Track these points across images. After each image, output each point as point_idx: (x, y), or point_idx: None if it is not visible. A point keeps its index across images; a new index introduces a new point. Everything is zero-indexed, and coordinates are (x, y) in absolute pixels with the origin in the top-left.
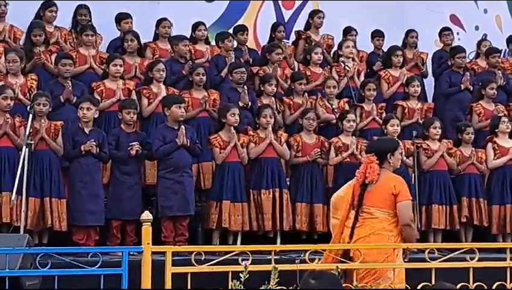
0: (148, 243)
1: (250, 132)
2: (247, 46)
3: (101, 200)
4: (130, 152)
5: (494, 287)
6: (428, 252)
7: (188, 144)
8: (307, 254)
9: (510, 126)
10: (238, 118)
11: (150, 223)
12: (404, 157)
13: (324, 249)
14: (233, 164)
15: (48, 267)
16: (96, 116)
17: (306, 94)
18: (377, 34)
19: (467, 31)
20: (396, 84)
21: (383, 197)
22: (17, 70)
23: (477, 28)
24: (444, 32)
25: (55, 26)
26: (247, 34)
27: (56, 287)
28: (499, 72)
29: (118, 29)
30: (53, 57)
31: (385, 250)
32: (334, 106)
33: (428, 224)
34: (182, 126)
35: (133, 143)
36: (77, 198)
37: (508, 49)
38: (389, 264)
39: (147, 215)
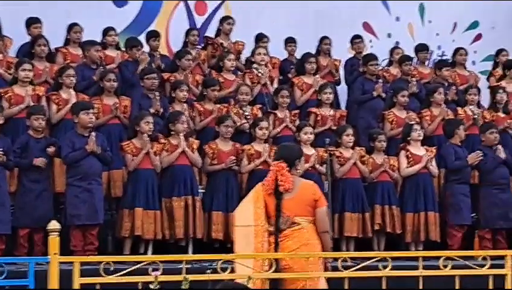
0: (55, 253)
1: (162, 140)
2: (159, 51)
3: (7, 209)
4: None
5: None
6: (342, 261)
7: (98, 151)
8: (219, 263)
9: (422, 134)
10: (152, 126)
11: (57, 233)
12: (318, 165)
13: (233, 259)
14: (146, 171)
15: None
16: (1, 122)
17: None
18: (290, 41)
19: (380, 38)
20: (309, 91)
21: (305, 205)
22: None
23: (389, 35)
24: (355, 40)
25: None
26: (159, 40)
27: None
28: (413, 79)
29: (28, 34)
30: None
31: (314, 260)
32: (247, 113)
33: (340, 232)
34: (92, 133)
35: None
36: None
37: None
38: (311, 273)
39: (54, 224)
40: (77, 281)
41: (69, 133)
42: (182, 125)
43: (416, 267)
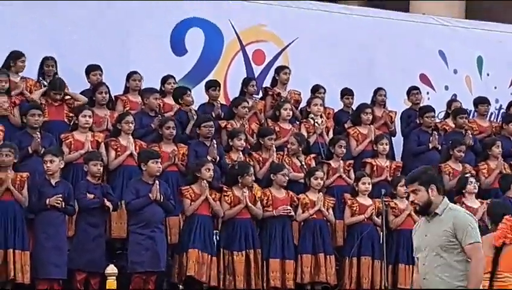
0: None
1: (225, 188)
2: (219, 101)
3: (64, 253)
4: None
5: None
6: None
7: (162, 200)
8: None
9: (477, 186)
10: (212, 173)
11: (115, 277)
12: (374, 217)
13: None
14: (203, 217)
15: None
16: (61, 166)
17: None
18: (347, 92)
19: (437, 90)
20: (365, 142)
21: None
22: None
23: (446, 87)
24: (413, 91)
25: (22, 77)
26: (219, 90)
27: None
28: (468, 132)
29: (88, 81)
30: (16, 109)
31: None
32: (303, 162)
33: (394, 284)
34: (157, 181)
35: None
36: (41, 250)
37: (474, 110)
38: None
39: (112, 269)
40: None
41: (133, 180)
42: (251, 177)
43: None
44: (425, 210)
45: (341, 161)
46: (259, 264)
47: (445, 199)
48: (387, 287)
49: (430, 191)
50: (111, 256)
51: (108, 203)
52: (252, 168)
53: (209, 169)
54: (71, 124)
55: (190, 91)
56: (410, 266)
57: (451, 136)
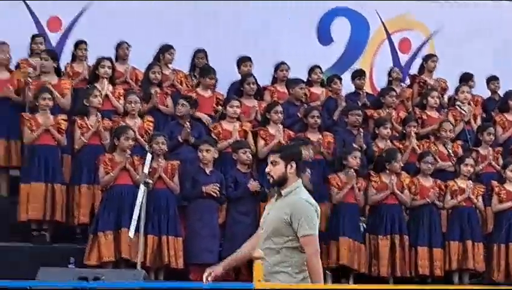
0: (259, 280)
1: (372, 174)
2: (364, 90)
3: (218, 240)
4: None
5: None
6: None
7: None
8: None
9: None
10: (359, 161)
11: (261, 261)
12: None
13: None
14: (350, 205)
15: None
16: (216, 156)
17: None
18: (493, 79)
19: None
20: (511, 129)
21: None
22: (137, 112)
23: None
24: None
25: (173, 69)
26: (364, 79)
27: None
28: None
29: (239, 72)
30: (168, 99)
31: None
32: (450, 150)
33: None
34: (308, 170)
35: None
36: (195, 237)
37: None
38: None
39: (259, 253)
40: None
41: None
42: (398, 164)
43: None
44: (279, 185)
45: (490, 148)
46: (405, 250)
47: (299, 182)
48: None
49: (289, 167)
50: None
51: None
52: (399, 155)
53: (355, 157)
54: (218, 114)
55: (339, 79)
56: None
57: None
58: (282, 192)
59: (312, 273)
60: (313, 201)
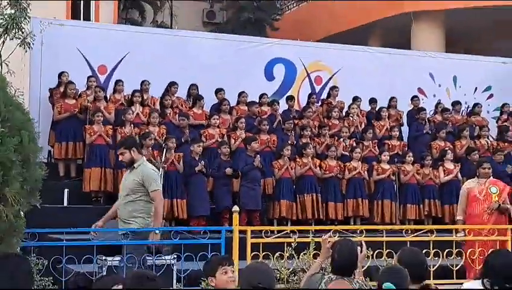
0: (236, 225)
1: (297, 159)
2: (294, 108)
3: (208, 200)
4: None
5: None
6: None
7: (261, 167)
8: None
9: (452, 155)
10: (290, 152)
11: (238, 213)
12: None
13: None
14: (286, 179)
15: (177, 238)
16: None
17: None
18: (373, 101)
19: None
20: (383, 130)
21: None
22: (156, 123)
23: (434, 95)
24: None
25: (176, 97)
26: (293, 101)
27: (182, 252)
28: (430, 124)
29: (217, 98)
30: (176, 116)
31: None
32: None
33: None
34: (258, 155)
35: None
36: (194, 199)
37: (452, 109)
38: None
39: (235, 208)
40: (249, 240)
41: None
42: (312, 150)
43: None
44: (130, 165)
45: (370, 142)
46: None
47: (143, 158)
48: None
49: (132, 152)
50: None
51: (229, 170)
52: (310, 146)
53: (288, 149)
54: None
55: (277, 102)
56: None
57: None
58: (135, 165)
59: (157, 216)
60: (156, 169)
